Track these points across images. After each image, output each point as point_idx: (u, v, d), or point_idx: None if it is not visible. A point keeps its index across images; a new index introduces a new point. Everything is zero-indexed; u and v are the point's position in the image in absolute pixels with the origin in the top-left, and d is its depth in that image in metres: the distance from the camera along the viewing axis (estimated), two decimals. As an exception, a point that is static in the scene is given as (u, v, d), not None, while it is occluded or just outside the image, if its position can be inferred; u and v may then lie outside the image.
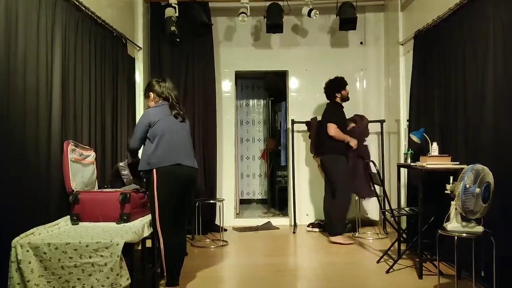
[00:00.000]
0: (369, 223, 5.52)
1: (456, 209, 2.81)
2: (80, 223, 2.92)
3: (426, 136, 3.83)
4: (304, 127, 5.57)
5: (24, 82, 2.56)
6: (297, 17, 5.61)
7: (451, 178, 2.91)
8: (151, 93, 3.19)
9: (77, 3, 3.23)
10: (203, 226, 4.98)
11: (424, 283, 3.32)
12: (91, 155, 3.33)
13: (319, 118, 5.06)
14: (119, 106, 4.08)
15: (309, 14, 5.06)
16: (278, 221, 5.77)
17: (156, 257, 3.27)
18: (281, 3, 5.13)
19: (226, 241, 4.73)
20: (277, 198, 6.86)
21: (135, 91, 4.67)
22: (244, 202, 7.33)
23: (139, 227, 2.84)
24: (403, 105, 4.93)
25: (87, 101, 3.40)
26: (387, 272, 3.57)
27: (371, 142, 5.55)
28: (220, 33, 5.69)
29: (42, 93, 2.75)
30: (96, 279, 2.40)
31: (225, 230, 5.21)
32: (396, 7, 5.11)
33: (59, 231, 2.71)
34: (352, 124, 5.16)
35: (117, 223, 2.91)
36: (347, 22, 5.11)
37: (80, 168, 3.14)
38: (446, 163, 3.49)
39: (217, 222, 5.22)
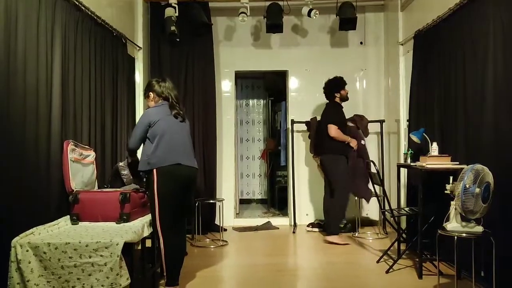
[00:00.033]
0: (369, 223, 5.52)
1: (456, 209, 2.82)
2: (80, 223, 2.92)
3: (426, 136, 3.83)
4: (304, 127, 5.57)
5: (24, 82, 2.56)
6: (297, 17, 5.61)
7: (451, 178, 2.91)
8: (151, 93, 3.19)
9: (77, 3, 3.23)
10: (203, 226, 4.98)
11: (424, 283, 3.32)
12: (91, 155, 3.33)
13: (319, 118, 5.06)
14: (119, 106, 4.08)
15: (309, 14, 5.06)
16: (277, 221, 5.78)
17: (156, 257, 3.27)
18: (281, 3, 5.13)
19: (226, 241, 4.73)
20: (276, 198, 6.86)
21: (135, 91, 4.67)
22: (244, 202, 7.33)
23: (139, 227, 2.84)
24: (403, 105, 4.93)
25: (87, 101, 3.40)
26: (387, 272, 3.57)
27: (371, 142, 5.56)
28: (220, 33, 5.69)
29: (42, 92, 2.75)
30: (96, 279, 2.40)
31: (225, 230, 5.21)
32: (396, 7, 5.11)
33: (59, 231, 2.71)
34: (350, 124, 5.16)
35: (117, 223, 2.91)
36: (347, 22, 5.11)
37: (80, 168, 3.14)
38: (446, 163, 3.49)
39: (217, 222, 5.22)
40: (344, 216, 5.00)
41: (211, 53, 5.41)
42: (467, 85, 3.42)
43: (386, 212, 3.91)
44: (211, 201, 5.04)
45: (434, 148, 3.67)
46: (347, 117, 4.97)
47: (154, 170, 2.94)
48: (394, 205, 4.24)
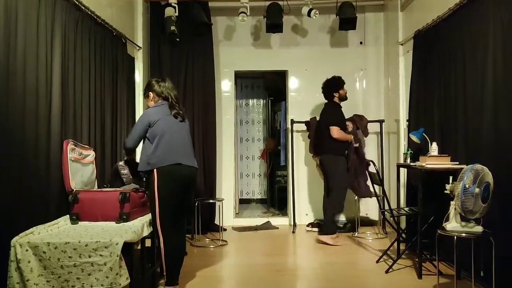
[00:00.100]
0: (369, 223, 5.52)
1: (455, 209, 2.82)
2: (79, 222, 2.92)
3: (426, 136, 3.83)
4: (303, 127, 5.57)
5: (23, 81, 2.56)
6: (297, 17, 5.60)
7: (451, 178, 2.91)
8: (150, 92, 3.19)
9: (77, 3, 3.23)
10: (203, 225, 4.98)
11: (424, 283, 3.32)
12: (91, 154, 3.33)
13: (318, 118, 5.06)
14: (118, 106, 4.08)
15: (309, 14, 5.06)
16: (277, 220, 5.77)
17: (155, 257, 3.27)
18: (281, 2, 5.13)
19: (226, 241, 4.73)
20: (276, 198, 6.86)
21: (134, 91, 4.67)
22: (243, 202, 7.32)
23: (138, 226, 2.84)
24: (403, 105, 4.93)
25: (87, 101, 3.40)
26: (387, 272, 3.57)
27: (371, 142, 5.56)
28: (220, 32, 5.69)
29: (42, 92, 2.75)
30: (95, 278, 2.40)
31: (225, 229, 5.21)
32: (396, 7, 5.11)
33: (58, 230, 2.70)
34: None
35: (116, 223, 2.91)
36: (347, 22, 5.11)
37: (80, 167, 3.14)
38: (445, 163, 3.49)
39: (216, 221, 5.22)
40: (342, 210, 4.99)
41: (211, 53, 5.41)
42: (467, 85, 3.42)
43: (385, 212, 3.91)
44: (211, 201, 5.05)
45: (433, 148, 3.67)
46: (346, 117, 4.98)
47: (155, 170, 2.94)
48: (393, 205, 4.24)
